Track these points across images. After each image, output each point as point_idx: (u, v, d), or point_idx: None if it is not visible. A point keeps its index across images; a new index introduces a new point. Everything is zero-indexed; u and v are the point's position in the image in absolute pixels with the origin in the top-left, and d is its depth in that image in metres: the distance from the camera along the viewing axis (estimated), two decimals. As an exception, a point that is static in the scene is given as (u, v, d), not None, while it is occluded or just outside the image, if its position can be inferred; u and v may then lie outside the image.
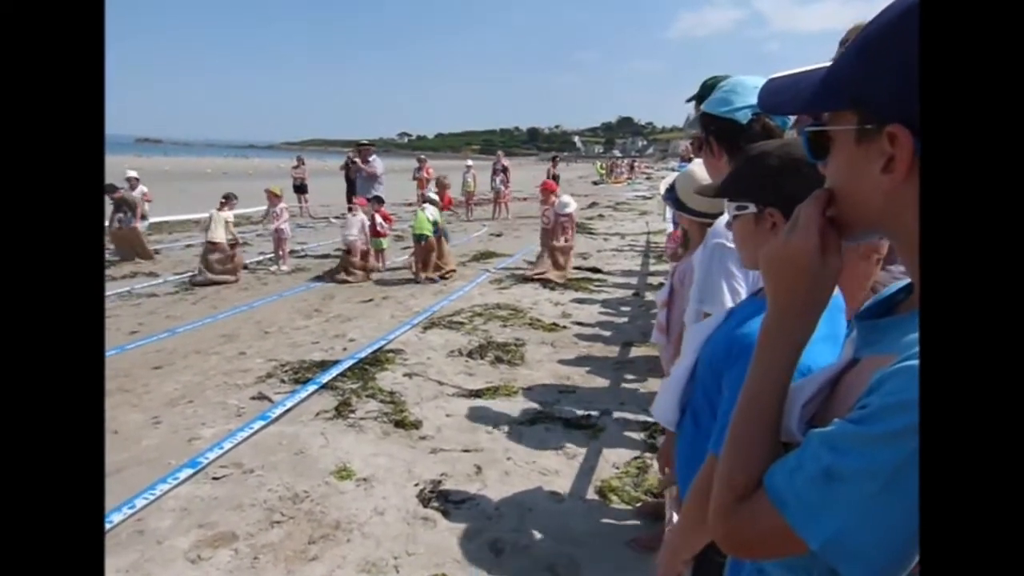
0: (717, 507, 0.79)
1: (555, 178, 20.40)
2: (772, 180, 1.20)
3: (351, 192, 16.28)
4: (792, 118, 1.82)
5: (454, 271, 9.11)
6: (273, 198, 9.92)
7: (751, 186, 1.25)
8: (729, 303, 1.67)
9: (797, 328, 0.79)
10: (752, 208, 1.24)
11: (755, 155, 1.26)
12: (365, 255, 9.17)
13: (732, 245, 1.72)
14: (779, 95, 0.83)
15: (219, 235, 8.83)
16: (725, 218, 1.82)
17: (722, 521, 0.78)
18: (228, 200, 9.49)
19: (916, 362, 0.59)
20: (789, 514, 0.67)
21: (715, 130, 1.79)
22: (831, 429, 0.66)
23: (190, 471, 3.54)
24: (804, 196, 0.79)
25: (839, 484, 0.63)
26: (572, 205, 9.08)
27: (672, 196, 2.20)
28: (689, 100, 2.23)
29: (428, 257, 8.89)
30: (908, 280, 0.79)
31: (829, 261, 0.77)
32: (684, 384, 1.47)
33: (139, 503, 3.22)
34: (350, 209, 9.83)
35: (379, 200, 9.92)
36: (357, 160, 11.97)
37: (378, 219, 9.43)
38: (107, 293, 7.82)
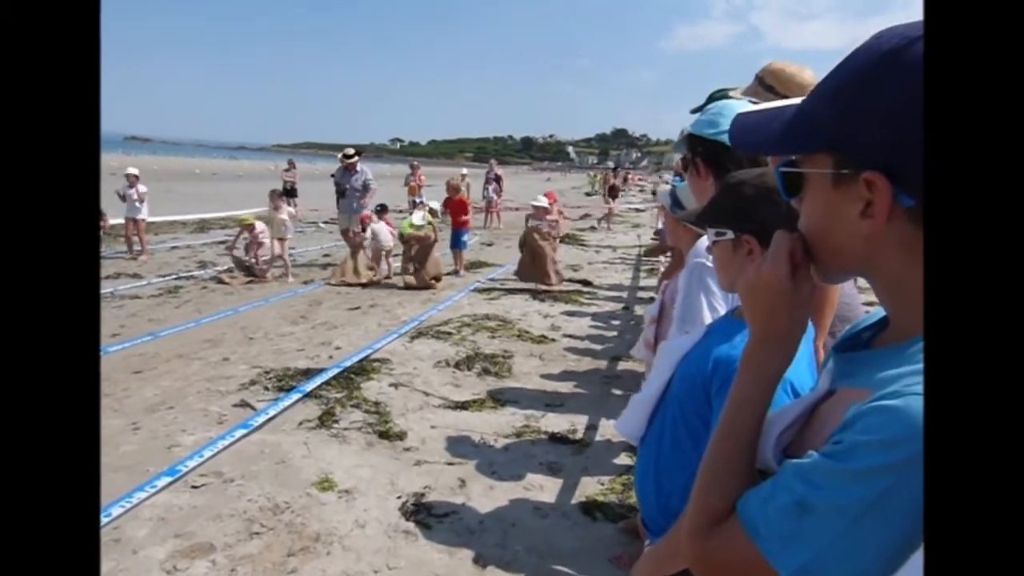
0: (691, 530, 0.80)
1: (613, 188, 20.34)
2: (748, 208, 1.25)
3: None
4: None
5: (436, 281, 9.09)
6: (245, 228, 9.52)
7: (728, 214, 1.30)
8: (708, 321, 1.67)
9: (775, 356, 0.82)
10: (730, 235, 1.30)
11: (732, 184, 1.31)
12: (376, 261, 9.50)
13: (712, 264, 1.73)
14: (751, 134, 0.84)
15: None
16: (706, 239, 1.83)
17: (694, 544, 0.79)
18: (275, 195, 9.93)
19: (890, 402, 0.60)
20: (761, 542, 0.68)
21: (702, 151, 1.80)
22: (805, 461, 0.66)
23: (168, 479, 3.48)
24: (779, 224, 0.82)
25: (810, 516, 0.63)
26: (543, 200, 9.45)
27: (678, 205, 2.19)
28: (694, 111, 2.24)
29: (410, 255, 8.98)
30: (883, 313, 0.80)
31: (801, 287, 0.79)
32: (656, 401, 1.48)
33: (115, 511, 3.16)
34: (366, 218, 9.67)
35: (384, 208, 10.14)
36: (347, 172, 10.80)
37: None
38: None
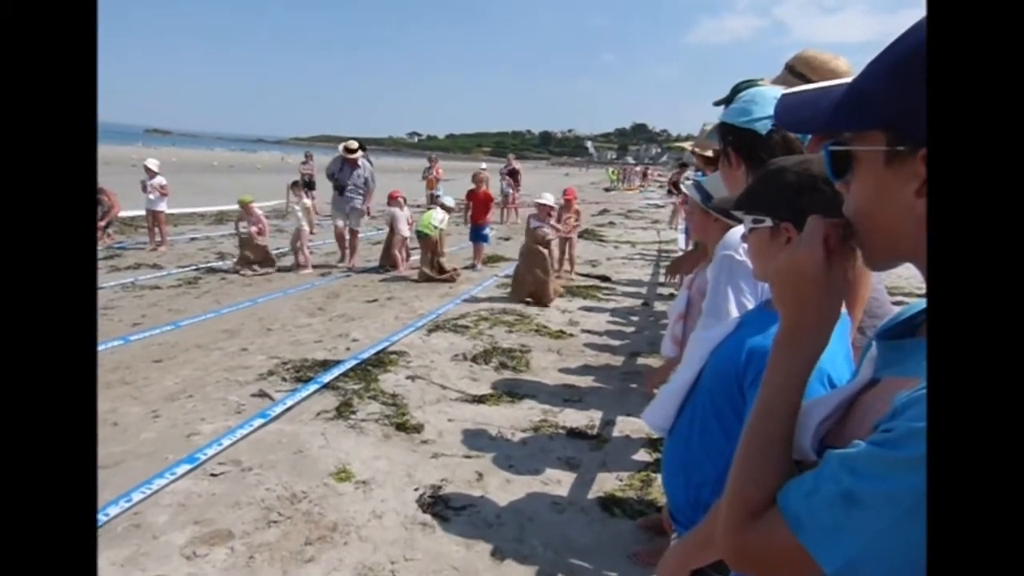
0: (727, 522, 0.78)
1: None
2: (789, 195, 1.21)
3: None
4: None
5: (458, 273, 9.11)
6: (244, 208, 9.33)
7: (768, 200, 1.26)
8: (735, 316, 1.64)
9: (809, 342, 0.81)
10: (768, 222, 1.26)
11: (773, 170, 1.27)
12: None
13: (741, 257, 1.70)
14: (798, 112, 0.82)
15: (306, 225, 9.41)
16: (737, 230, 1.79)
17: (732, 537, 0.77)
18: (296, 187, 10.00)
19: None
20: (804, 536, 0.66)
21: (733, 140, 1.76)
22: (852, 451, 0.64)
23: (188, 467, 3.50)
24: (819, 212, 0.81)
25: (858, 508, 0.61)
26: (548, 198, 8.43)
27: (703, 193, 2.15)
28: (718, 103, 2.21)
29: (433, 255, 8.97)
30: None
31: (835, 272, 0.78)
32: (685, 392, 1.46)
33: (136, 496, 3.18)
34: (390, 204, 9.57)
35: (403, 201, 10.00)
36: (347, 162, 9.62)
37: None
38: (111, 284, 7.81)
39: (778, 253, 1.24)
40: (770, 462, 0.78)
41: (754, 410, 0.82)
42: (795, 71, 2.18)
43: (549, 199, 8.40)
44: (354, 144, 9.80)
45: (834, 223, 0.79)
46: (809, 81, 2.08)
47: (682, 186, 4.40)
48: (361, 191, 9.69)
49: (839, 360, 1.20)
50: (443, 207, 9.36)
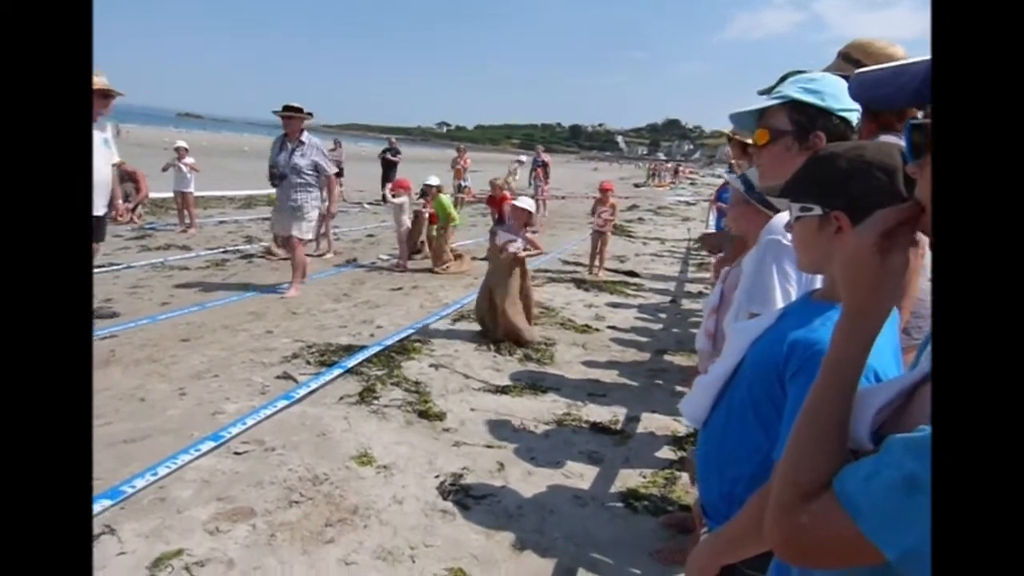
0: (778, 506, 0.77)
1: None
2: (840, 183, 1.15)
3: (386, 178, 16.32)
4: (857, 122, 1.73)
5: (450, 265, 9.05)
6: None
7: (818, 188, 1.20)
8: (780, 304, 1.58)
9: (864, 327, 0.80)
10: (817, 210, 1.20)
11: (823, 156, 1.21)
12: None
13: (788, 243, 1.63)
14: (879, 88, 0.81)
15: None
16: (782, 216, 1.72)
17: (783, 522, 0.75)
18: None
19: None
20: (863, 522, 0.65)
21: (804, 120, 1.69)
22: (917, 436, 0.62)
23: (212, 444, 3.53)
24: (872, 200, 0.81)
25: (921, 493, 0.59)
26: (527, 202, 6.22)
27: (747, 181, 2.09)
28: (762, 92, 2.15)
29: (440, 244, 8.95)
30: None
31: (889, 259, 0.76)
32: (722, 384, 1.42)
33: (161, 471, 3.21)
34: (395, 194, 9.26)
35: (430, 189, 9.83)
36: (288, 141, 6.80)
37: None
38: (141, 263, 7.93)
39: (827, 242, 1.19)
40: (826, 446, 0.76)
41: (811, 393, 0.81)
42: (850, 58, 2.12)
43: (528, 204, 6.18)
44: (295, 104, 6.91)
45: (901, 210, 0.77)
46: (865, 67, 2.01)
47: (723, 176, 4.29)
48: (311, 182, 6.80)
49: (886, 356, 1.15)
50: (433, 189, 9.14)
